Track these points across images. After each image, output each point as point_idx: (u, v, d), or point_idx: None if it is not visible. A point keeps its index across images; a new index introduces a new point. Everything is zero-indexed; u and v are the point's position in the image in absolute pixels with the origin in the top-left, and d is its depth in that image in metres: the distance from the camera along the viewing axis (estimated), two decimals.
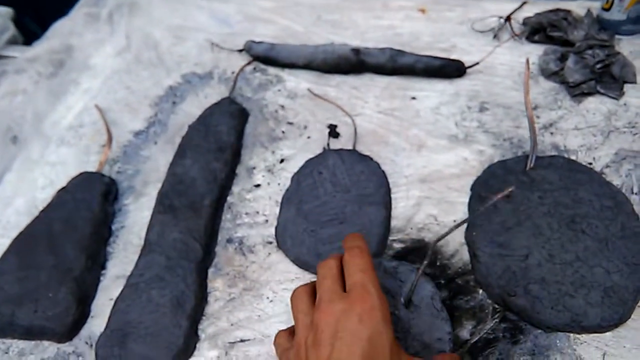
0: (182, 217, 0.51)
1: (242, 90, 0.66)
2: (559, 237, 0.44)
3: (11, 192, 0.60)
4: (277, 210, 0.52)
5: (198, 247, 0.49)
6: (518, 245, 0.45)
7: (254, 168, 0.57)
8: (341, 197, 0.51)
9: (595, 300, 0.41)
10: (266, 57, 0.67)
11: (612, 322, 0.40)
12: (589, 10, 0.62)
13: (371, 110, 0.60)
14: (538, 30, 0.63)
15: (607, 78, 0.56)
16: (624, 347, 0.40)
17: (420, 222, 0.49)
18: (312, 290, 0.37)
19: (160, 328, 0.44)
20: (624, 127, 0.53)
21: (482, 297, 0.44)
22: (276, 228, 0.51)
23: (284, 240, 0.49)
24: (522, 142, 0.53)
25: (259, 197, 0.54)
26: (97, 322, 0.48)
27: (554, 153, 0.52)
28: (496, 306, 0.43)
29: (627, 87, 0.56)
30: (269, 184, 0.55)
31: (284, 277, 0.48)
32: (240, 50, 0.70)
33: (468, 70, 0.60)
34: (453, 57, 0.61)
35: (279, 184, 0.55)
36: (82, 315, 0.48)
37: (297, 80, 0.65)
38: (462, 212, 0.49)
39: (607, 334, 0.40)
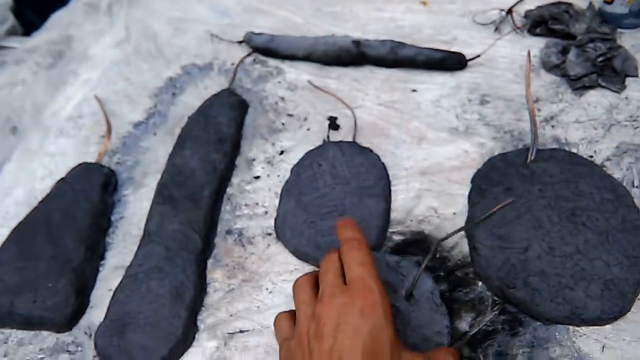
0: (181, 208, 0.51)
1: (242, 82, 0.65)
2: (559, 230, 0.44)
3: (10, 182, 0.60)
4: (277, 201, 0.52)
5: (197, 238, 0.49)
6: (518, 238, 0.45)
7: (253, 159, 0.57)
8: (341, 189, 0.50)
9: (595, 293, 0.41)
10: (266, 48, 0.67)
11: (612, 314, 0.40)
12: (590, 3, 0.62)
13: (371, 103, 0.60)
14: (540, 23, 0.62)
15: (609, 71, 0.56)
16: (624, 339, 0.39)
17: (420, 214, 0.49)
18: (314, 280, 0.37)
19: (159, 318, 0.44)
20: (625, 121, 0.52)
21: (481, 289, 0.44)
22: (275, 219, 0.51)
23: (283, 231, 0.49)
24: (523, 135, 0.53)
25: (258, 188, 0.54)
26: (96, 313, 0.48)
27: (554, 146, 0.52)
28: (495, 298, 0.43)
29: (628, 80, 0.55)
30: (268, 175, 0.55)
31: (283, 268, 0.48)
32: (240, 42, 0.69)
33: (469, 63, 0.60)
34: (454, 49, 0.61)
35: (278, 175, 0.55)
36: (81, 305, 0.48)
37: (297, 72, 0.65)
38: (462, 205, 0.49)
39: (607, 326, 0.40)
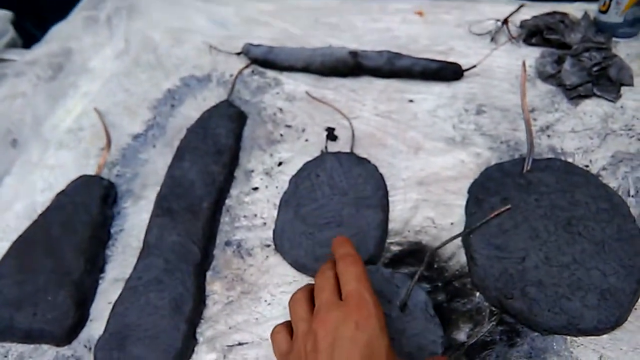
0: (180, 220, 0.51)
1: (241, 93, 0.66)
2: (555, 240, 0.44)
3: (10, 195, 0.60)
4: (275, 213, 0.53)
5: (196, 250, 0.49)
6: (515, 248, 0.45)
7: (252, 171, 0.57)
8: (339, 199, 0.51)
9: (591, 303, 0.41)
10: (264, 60, 0.67)
11: (609, 324, 0.40)
12: (586, 13, 0.63)
13: (369, 113, 0.60)
14: (535, 33, 0.63)
15: (604, 81, 0.56)
16: (621, 349, 0.40)
17: (418, 224, 0.50)
18: (309, 294, 0.38)
19: (158, 331, 0.44)
20: (620, 130, 0.53)
21: (479, 299, 0.44)
22: (274, 231, 0.51)
23: (281, 243, 0.50)
24: (519, 144, 0.54)
25: (257, 200, 0.55)
26: (96, 326, 0.48)
27: (550, 156, 0.52)
28: (493, 309, 0.44)
29: (623, 89, 0.56)
30: (267, 186, 0.56)
31: (282, 280, 0.48)
32: (239, 53, 0.70)
33: (465, 73, 0.61)
34: (450, 59, 0.61)
35: (276, 186, 0.55)
36: (81, 318, 0.48)
37: (295, 83, 0.65)
38: (459, 215, 0.50)
39: (604, 336, 0.41)
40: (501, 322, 0.43)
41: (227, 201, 0.55)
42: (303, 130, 0.60)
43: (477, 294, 0.44)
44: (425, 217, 0.50)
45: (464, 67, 0.60)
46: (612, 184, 0.48)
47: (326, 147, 0.58)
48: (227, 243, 0.52)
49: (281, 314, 0.46)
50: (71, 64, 0.76)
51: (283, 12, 0.76)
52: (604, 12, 0.60)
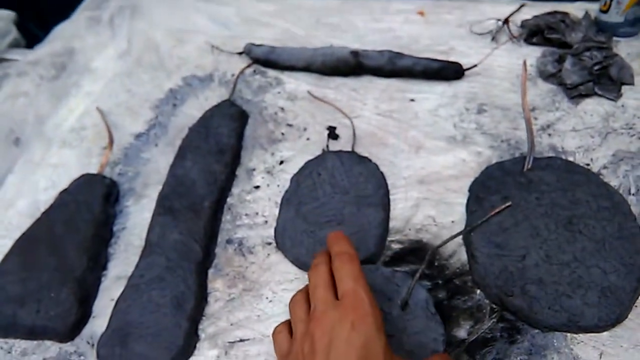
0: (182, 219, 0.51)
1: (242, 93, 0.66)
2: (556, 238, 0.45)
3: (13, 194, 0.61)
4: (277, 211, 0.53)
5: (198, 248, 0.49)
6: (515, 246, 0.45)
7: (253, 170, 0.58)
8: (340, 198, 0.51)
9: (592, 301, 0.41)
10: (266, 59, 0.68)
11: (609, 322, 0.40)
12: (586, 13, 0.63)
13: (370, 112, 0.60)
14: (536, 32, 0.63)
15: (605, 80, 0.57)
16: (621, 346, 0.40)
17: (419, 223, 0.50)
18: (308, 296, 0.38)
19: (160, 328, 0.45)
20: (621, 129, 0.53)
21: (479, 297, 0.44)
22: (275, 229, 0.51)
23: (283, 241, 0.50)
24: (520, 143, 0.54)
25: (258, 198, 0.55)
26: (99, 322, 0.48)
27: (551, 154, 0.52)
28: (494, 306, 0.44)
29: (624, 88, 0.56)
30: (268, 185, 0.56)
31: (284, 277, 0.48)
32: (240, 53, 0.70)
33: (466, 73, 0.61)
34: (451, 59, 0.61)
35: (278, 185, 0.55)
36: (83, 315, 0.48)
37: (297, 83, 0.66)
38: (460, 213, 0.50)
39: (604, 333, 0.41)
40: (502, 319, 0.43)
41: (228, 200, 0.55)
42: (304, 129, 0.60)
43: (478, 291, 0.45)
44: (426, 215, 0.50)
45: (465, 67, 0.61)
46: (613, 182, 0.49)
47: (327, 146, 0.58)
48: (229, 241, 0.52)
49: (282, 311, 0.46)
50: (74, 64, 0.76)
51: (284, 12, 0.76)
52: (605, 11, 0.60)
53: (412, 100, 0.60)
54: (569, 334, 0.41)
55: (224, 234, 0.53)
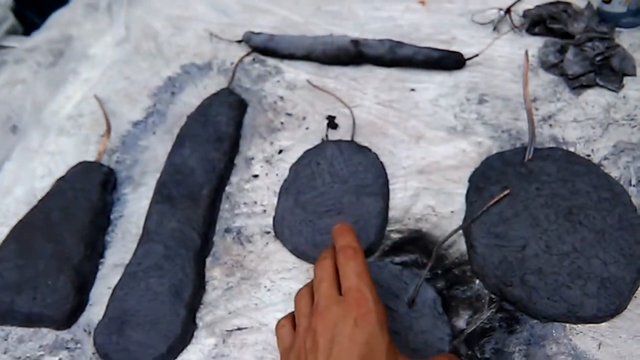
0: (180, 207, 0.51)
1: (241, 81, 0.66)
2: (556, 229, 0.44)
3: (10, 181, 0.60)
4: (275, 200, 0.52)
5: (196, 236, 0.49)
6: (515, 236, 0.45)
7: (252, 158, 0.57)
8: (339, 187, 0.51)
9: (591, 291, 0.41)
10: (265, 48, 0.67)
11: (608, 312, 0.40)
12: (589, 3, 0.62)
13: (370, 102, 0.60)
14: (538, 22, 0.63)
15: (607, 70, 0.56)
16: (620, 337, 0.40)
17: (418, 212, 0.50)
18: (313, 290, 0.37)
19: (158, 316, 0.44)
20: (622, 120, 0.53)
21: (478, 287, 0.44)
22: (274, 218, 0.51)
23: (281, 230, 0.50)
24: (521, 134, 0.53)
25: (257, 187, 0.55)
26: (96, 310, 0.48)
27: (552, 145, 0.52)
28: (493, 296, 0.44)
29: (626, 79, 0.56)
30: (267, 174, 0.55)
31: (282, 266, 0.48)
32: (239, 41, 0.70)
33: (467, 62, 0.60)
34: (452, 49, 0.61)
35: (277, 174, 0.55)
36: (80, 303, 0.48)
37: (296, 72, 0.65)
38: (460, 204, 0.49)
39: (603, 324, 0.41)
40: (500, 309, 0.43)
41: (227, 188, 0.55)
42: (304, 119, 0.60)
43: (477, 281, 0.45)
44: (425, 205, 0.50)
45: (466, 56, 0.60)
46: (614, 173, 0.48)
47: (327, 136, 0.57)
48: (227, 230, 0.52)
49: (280, 300, 0.46)
50: (71, 51, 0.75)
51: None
52: (608, 2, 0.60)
53: (413, 89, 0.60)
54: (568, 325, 0.41)
55: (222, 222, 0.53)
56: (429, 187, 0.51)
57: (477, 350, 0.41)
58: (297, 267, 0.48)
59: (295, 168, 0.54)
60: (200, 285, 0.47)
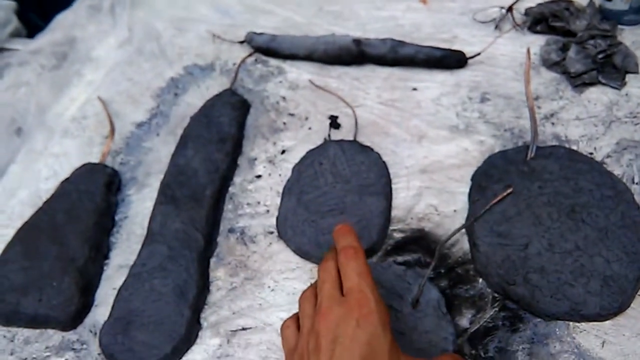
0: (184, 208, 0.51)
1: (244, 82, 0.66)
2: (558, 227, 0.44)
3: (15, 183, 0.61)
4: (278, 200, 0.53)
5: (200, 237, 0.49)
6: (518, 235, 0.45)
7: (255, 159, 0.57)
8: (341, 187, 0.51)
9: (594, 289, 0.41)
10: (267, 48, 0.67)
11: (612, 310, 0.40)
12: (591, 0, 0.62)
13: (372, 101, 0.60)
14: (540, 20, 0.63)
15: (609, 68, 0.56)
16: (623, 335, 0.40)
17: (421, 212, 0.50)
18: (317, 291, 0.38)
19: (163, 316, 0.45)
20: (625, 117, 0.53)
21: (481, 286, 0.44)
22: (277, 218, 0.51)
23: (284, 230, 0.50)
24: (523, 132, 0.53)
25: (260, 187, 0.55)
26: (101, 311, 0.48)
27: (554, 143, 0.52)
28: (496, 295, 0.44)
29: (629, 77, 0.56)
30: (270, 174, 0.56)
31: (285, 266, 0.48)
32: (242, 42, 0.70)
33: (469, 61, 0.60)
34: (454, 47, 0.61)
35: (280, 174, 0.55)
36: (85, 304, 0.49)
37: (299, 72, 0.65)
38: (462, 202, 0.50)
39: (607, 322, 0.41)
40: (504, 308, 0.43)
41: (230, 189, 0.55)
42: (306, 119, 0.60)
43: (480, 280, 0.45)
44: (428, 204, 0.50)
45: (468, 55, 0.60)
46: (617, 171, 0.48)
47: (329, 135, 0.58)
48: (231, 230, 0.52)
49: (284, 300, 0.46)
50: (75, 53, 0.76)
51: (286, 0, 0.76)
52: None
53: (415, 89, 0.60)
54: (571, 323, 0.41)
55: (225, 223, 0.53)
56: (431, 186, 0.51)
57: (480, 349, 0.41)
58: (300, 267, 0.48)
59: (298, 168, 0.54)
60: (204, 286, 0.48)
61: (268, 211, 0.53)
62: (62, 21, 0.81)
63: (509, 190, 0.47)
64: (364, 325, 0.32)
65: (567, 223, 0.44)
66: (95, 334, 0.47)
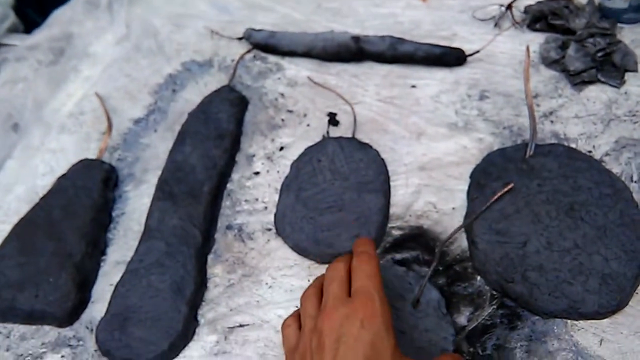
0: (181, 204, 0.51)
1: (242, 78, 0.66)
2: (557, 225, 0.44)
3: (12, 179, 0.61)
4: (276, 197, 0.52)
5: (197, 233, 0.49)
6: (516, 233, 0.45)
7: (253, 156, 0.57)
8: (340, 184, 0.51)
9: (593, 287, 0.41)
10: (266, 45, 0.67)
11: (610, 308, 0.40)
12: None
13: (371, 99, 0.60)
14: (539, 18, 0.62)
15: (608, 66, 0.56)
16: (621, 333, 0.40)
17: (419, 209, 0.50)
18: (320, 292, 0.38)
19: (160, 313, 0.44)
20: (624, 116, 0.52)
21: (480, 283, 0.44)
22: (275, 215, 0.51)
23: (283, 227, 0.50)
24: (522, 130, 0.53)
25: (258, 184, 0.55)
26: (98, 307, 0.48)
27: (553, 141, 0.52)
28: (494, 292, 0.44)
29: (628, 75, 0.55)
30: (268, 171, 0.55)
31: (283, 263, 0.48)
32: (240, 38, 0.69)
33: (468, 59, 0.60)
34: (453, 45, 0.61)
35: (278, 171, 0.55)
36: (82, 300, 0.48)
37: (297, 68, 0.65)
38: (461, 200, 0.49)
39: (605, 320, 0.41)
40: (502, 305, 0.43)
41: (228, 185, 0.55)
42: (305, 116, 0.60)
43: (478, 277, 0.44)
44: (426, 201, 0.50)
45: (467, 53, 0.60)
46: (615, 169, 0.48)
47: (328, 132, 0.57)
48: (229, 227, 0.52)
49: (282, 297, 0.46)
50: (72, 49, 0.75)
51: None
52: None
53: (414, 86, 0.60)
54: (569, 321, 0.41)
55: (223, 219, 0.53)
56: (430, 184, 0.51)
57: (478, 346, 0.41)
58: (298, 264, 0.48)
59: (296, 165, 0.54)
60: (201, 282, 0.48)
61: (266, 208, 0.52)
62: (60, 17, 0.80)
63: (510, 186, 0.47)
64: (368, 325, 0.32)
65: (565, 221, 0.44)
66: (92, 330, 0.47)
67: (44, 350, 0.47)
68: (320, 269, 0.47)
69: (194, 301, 0.46)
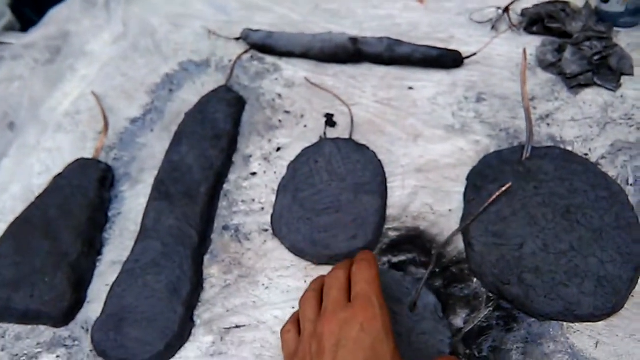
0: (178, 204, 0.51)
1: (239, 79, 0.65)
2: (553, 227, 0.44)
3: (8, 178, 0.60)
4: (273, 198, 0.52)
5: (194, 233, 0.49)
6: (513, 235, 0.45)
7: (250, 156, 0.57)
8: (337, 185, 0.51)
9: (588, 290, 0.41)
10: (263, 45, 0.67)
11: (605, 311, 0.40)
12: (587, 2, 0.62)
13: (368, 100, 0.60)
14: (536, 21, 0.63)
15: (605, 70, 0.56)
16: (617, 336, 0.40)
17: (416, 211, 0.50)
18: (319, 295, 0.38)
19: (156, 313, 0.44)
20: (620, 119, 0.53)
21: (476, 285, 0.44)
22: (272, 216, 0.51)
23: (279, 228, 0.50)
24: (519, 132, 0.53)
25: (255, 185, 0.55)
26: (93, 307, 0.48)
27: (550, 144, 0.52)
28: (490, 295, 0.44)
29: (624, 79, 0.56)
30: (265, 172, 0.55)
31: (280, 264, 0.48)
32: (238, 39, 0.69)
33: (465, 61, 0.60)
34: (451, 47, 0.61)
35: (275, 172, 0.55)
36: (78, 300, 0.48)
37: (295, 69, 0.65)
38: (457, 202, 0.50)
39: (600, 323, 0.41)
40: (498, 307, 0.43)
41: (225, 186, 0.55)
42: (302, 116, 0.60)
43: (475, 280, 0.45)
44: (423, 203, 0.50)
45: (464, 55, 0.60)
46: (611, 172, 0.48)
47: (325, 133, 0.57)
48: (225, 227, 0.52)
49: (278, 298, 0.46)
50: (69, 47, 0.75)
51: None
52: (606, 1, 0.60)
53: (411, 88, 0.60)
54: (565, 323, 0.41)
55: (220, 220, 0.52)
56: (426, 186, 0.51)
57: (474, 348, 0.41)
58: (295, 265, 0.48)
59: (293, 166, 0.54)
60: (198, 283, 0.47)
61: (263, 209, 0.52)
62: (56, 15, 0.80)
63: (507, 185, 0.47)
64: (368, 329, 0.32)
65: (561, 224, 0.45)
66: (88, 330, 0.46)
67: (39, 350, 0.46)
68: (317, 270, 0.47)
69: (190, 302, 0.46)
